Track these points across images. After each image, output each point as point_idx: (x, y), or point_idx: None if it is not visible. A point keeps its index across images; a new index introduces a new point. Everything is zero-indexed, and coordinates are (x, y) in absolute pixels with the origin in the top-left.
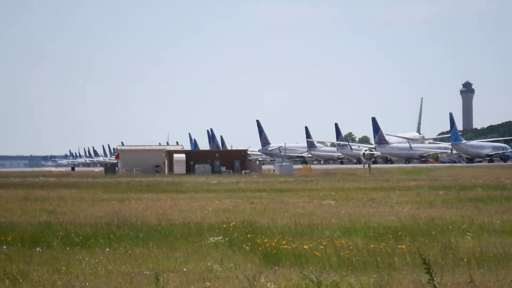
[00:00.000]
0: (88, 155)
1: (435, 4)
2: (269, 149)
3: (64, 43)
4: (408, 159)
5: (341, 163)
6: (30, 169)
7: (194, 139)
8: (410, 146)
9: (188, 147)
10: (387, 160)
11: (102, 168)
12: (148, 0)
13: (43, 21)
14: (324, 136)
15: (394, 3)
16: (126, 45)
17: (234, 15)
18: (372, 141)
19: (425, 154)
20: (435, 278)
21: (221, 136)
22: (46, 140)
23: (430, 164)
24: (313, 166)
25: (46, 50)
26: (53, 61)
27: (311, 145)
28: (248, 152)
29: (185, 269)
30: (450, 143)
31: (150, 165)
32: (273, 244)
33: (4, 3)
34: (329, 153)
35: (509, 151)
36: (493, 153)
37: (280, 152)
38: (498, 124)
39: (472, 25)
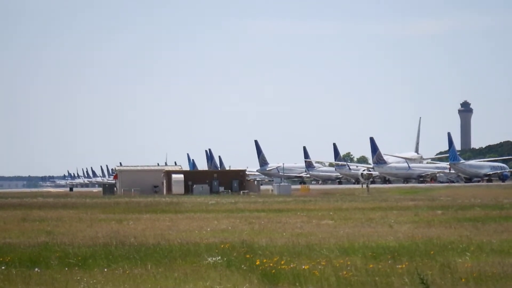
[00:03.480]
0: (86, 175)
1: (434, 22)
2: (268, 169)
3: (63, 63)
4: (407, 179)
5: (340, 183)
6: (28, 190)
7: (193, 159)
8: (409, 166)
9: (186, 167)
10: (385, 180)
11: (100, 189)
12: (146, 17)
13: (38, 35)
14: (323, 156)
15: (392, 21)
16: (125, 65)
17: (234, 33)
18: (370, 161)
19: (423, 174)
20: None
21: (219, 156)
22: (44, 161)
23: (428, 184)
24: (311, 186)
25: (44, 70)
26: (52, 81)
27: (309, 165)
28: (246, 172)
29: None
30: (448, 163)
31: (149, 186)
32: (271, 264)
33: None
34: (327, 173)
35: (507, 170)
36: (491, 172)
37: (279, 172)
38: (496, 144)
39: (471, 44)
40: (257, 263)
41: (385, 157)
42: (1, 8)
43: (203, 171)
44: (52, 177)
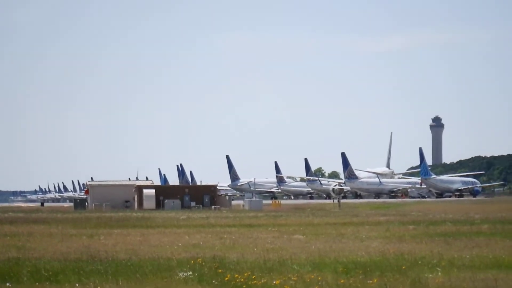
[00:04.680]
0: (57, 190)
1: (402, 36)
2: (239, 184)
3: (33, 79)
4: (378, 194)
5: (311, 198)
6: None
7: (164, 174)
8: (380, 181)
9: (158, 182)
10: (356, 195)
11: (71, 204)
12: (125, 34)
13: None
14: (294, 171)
15: (365, 35)
16: (99, 79)
17: (204, 44)
18: (341, 176)
19: (394, 189)
20: None
21: (190, 171)
22: (15, 175)
23: (399, 199)
24: (282, 201)
25: (14, 82)
26: (22, 94)
27: (280, 180)
28: (217, 187)
29: None
30: (419, 178)
31: (120, 201)
32: (242, 279)
33: None
34: (298, 188)
35: (478, 185)
36: (462, 187)
37: (250, 187)
38: (468, 159)
39: (441, 58)
40: (228, 278)
41: (356, 172)
42: None
43: (174, 186)
44: (23, 192)
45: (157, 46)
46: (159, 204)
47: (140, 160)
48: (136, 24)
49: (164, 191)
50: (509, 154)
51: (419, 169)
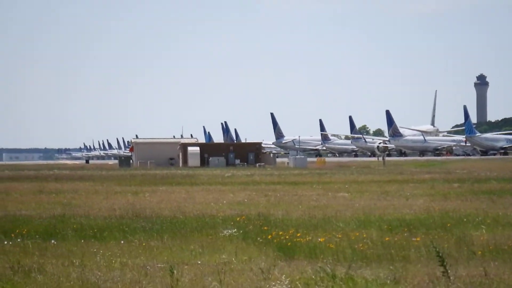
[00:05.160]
0: (102, 148)
1: None
2: (283, 142)
3: (77, 34)
4: (422, 152)
5: (355, 156)
6: (44, 162)
7: (208, 132)
8: (424, 139)
9: (202, 140)
10: (401, 153)
11: (116, 161)
12: None
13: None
14: (339, 129)
15: None
16: (142, 38)
17: (250, 9)
18: (386, 133)
19: (439, 147)
20: (449, 271)
21: (235, 129)
22: (60, 133)
23: (444, 157)
24: (327, 159)
25: (58, 41)
26: (67, 52)
27: (325, 138)
28: (262, 145)
29: (199, 262)
30: (464, 136)
31: (165, 158)
32: (287, 236)
33: None
34: (343, 146)
35: None
36: (507, 146)
37: (294, 145)
38: None
39: (486, 18)
40: (272, 235)
41: (401, 130)
42: None
43: (219, 144)
44: (68, 150)
45: (204, 4)
46: (204, 162)
47: (185, 117)
48: None
49: (208, 149)
50: None
51: (463, 127)
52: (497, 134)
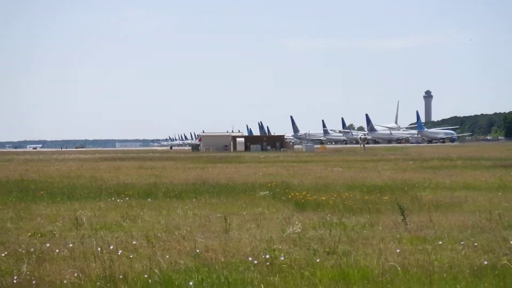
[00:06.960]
0: (181, 138)
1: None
2: (299, 134)
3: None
4: (389, 141)
5: (346, 144)
6: (143, 148)
7: (250, 128)
8: (391, 133)
9: (245, 133)
10: (375, 142)
11: (190, 148)
12: None
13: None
14: (335, 126)
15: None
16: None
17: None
18: (366, 129)
19: (400, 138)
20: (407, 218)
21: (267, 126)
22: (153, 128)
23: (403, 144)
24: (327, 146)
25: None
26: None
27: (326, 132)
28: (284, 136)
29: (244, 213)
30: (417, 131)
31: (221, 145)
32: (301, 196)
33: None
34: (338, 137)
35: (455, 135)
36: (444, 137)
37: (306, 136)
38: (448, 118)
39: (432, 52)
40: (291, 196)
41: (375, 127)
42: None
43: (256, 136)
44: (158, 140)
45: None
46: (247, 148)
47: (235, 119)
48: None
49: (250, 139)
50: (475, 115)
51: (416, 125)
52: (438, 129)
